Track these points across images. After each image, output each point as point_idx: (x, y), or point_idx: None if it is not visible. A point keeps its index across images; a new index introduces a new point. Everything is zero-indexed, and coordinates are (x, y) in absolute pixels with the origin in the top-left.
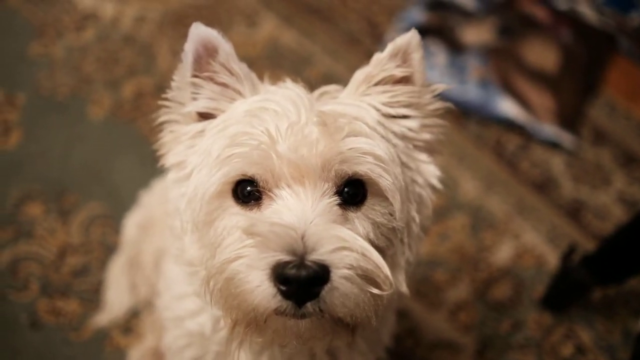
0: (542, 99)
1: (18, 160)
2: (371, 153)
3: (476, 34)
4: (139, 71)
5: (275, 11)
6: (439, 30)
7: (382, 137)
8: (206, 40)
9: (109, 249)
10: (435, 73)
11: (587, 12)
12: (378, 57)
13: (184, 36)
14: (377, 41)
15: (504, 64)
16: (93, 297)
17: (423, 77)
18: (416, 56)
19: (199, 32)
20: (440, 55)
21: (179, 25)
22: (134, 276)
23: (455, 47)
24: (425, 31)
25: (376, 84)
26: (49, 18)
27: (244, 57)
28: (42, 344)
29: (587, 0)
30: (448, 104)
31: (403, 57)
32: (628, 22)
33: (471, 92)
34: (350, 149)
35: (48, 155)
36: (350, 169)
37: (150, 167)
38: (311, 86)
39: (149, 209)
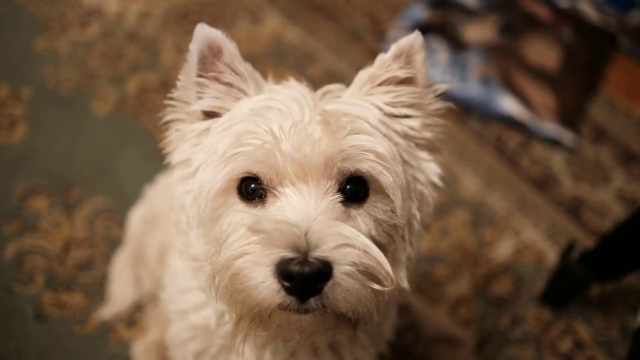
0: (542, 97)
1: (23, 154)
2: (373, 151)
3: (478, 32)
4: (143, 67)
5: (279, 8)
6: (441, 28)
7: (384, 135)
8: (211, 40)
9: (113, 242)
10: (437, 70)
11: (588, 10)
12: (382, 58)
13: (188, 32)
14: (380, 38)
15: (505, 61)
16: (97, 291)
17: (425, 78)
18: (419, 57)
19: (204, 32)
20: (442, 53)
21: (183, 21)
22: (138, 270)
23: (457, 45)
24: (427, 29)
25: (380, 85)
26: (54, 13)
27: (247, 54)
28: (47, 337)
29: None
30: (449, 104)
31: (406, 58)
32: (629, 21)
33: (472, 89)
34: (352, 146)
35: (53, 150)
36: (352, 166)
37: (154, 162)
38: (314, 84)
39: (154, 203)
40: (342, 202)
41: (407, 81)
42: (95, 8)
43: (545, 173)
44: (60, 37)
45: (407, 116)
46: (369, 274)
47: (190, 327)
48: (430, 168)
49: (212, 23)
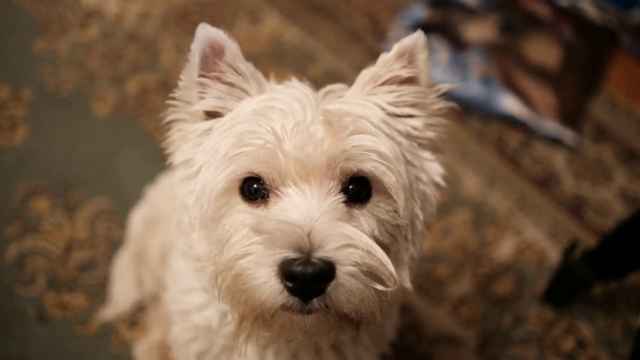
0: (543, 96)
1: (24, 155)
2: (375, 150)
3: (478, 31)
4: (143, 67)
5: (278, 8)
6: (441, 27)
7: (387, 135)
8: (213, 40)
9: (115, 243)
10: (438, 70)
11: (589, 9)
12: (384, 57)
13: (187, 32)
14: (380, 38)
15: (506, 60)
16: (99, 292)
17: (428, 78)
18: (422, 57)
19: (206, 32)
20: (443, 52)
21: (182, 22)
22: (139, 270)
23: (457, 44)
24: (428, 28)
25: (382, 84)
26: (53, 14)
27: (247, 54)
28: (49, 338)
29: None
30: (452, 104)
31: (409, 57)
32: (629, 19)
33: (473, 88)
34: (355, 146)
35: (53, 151)
36: (355, 166)
37: (154, 162)
38: (316, 84)
39: (155, 204)
40: (344, 202)
41: (409, 81)
42: (95, 9)
43: (546, 172)
44: (59, 38)
45: (409, 116)
46: (372, 275)
47: (192, 327)
48: (433, 168)
49: (212, 23)
